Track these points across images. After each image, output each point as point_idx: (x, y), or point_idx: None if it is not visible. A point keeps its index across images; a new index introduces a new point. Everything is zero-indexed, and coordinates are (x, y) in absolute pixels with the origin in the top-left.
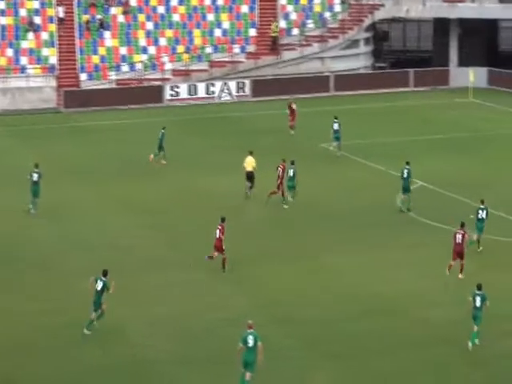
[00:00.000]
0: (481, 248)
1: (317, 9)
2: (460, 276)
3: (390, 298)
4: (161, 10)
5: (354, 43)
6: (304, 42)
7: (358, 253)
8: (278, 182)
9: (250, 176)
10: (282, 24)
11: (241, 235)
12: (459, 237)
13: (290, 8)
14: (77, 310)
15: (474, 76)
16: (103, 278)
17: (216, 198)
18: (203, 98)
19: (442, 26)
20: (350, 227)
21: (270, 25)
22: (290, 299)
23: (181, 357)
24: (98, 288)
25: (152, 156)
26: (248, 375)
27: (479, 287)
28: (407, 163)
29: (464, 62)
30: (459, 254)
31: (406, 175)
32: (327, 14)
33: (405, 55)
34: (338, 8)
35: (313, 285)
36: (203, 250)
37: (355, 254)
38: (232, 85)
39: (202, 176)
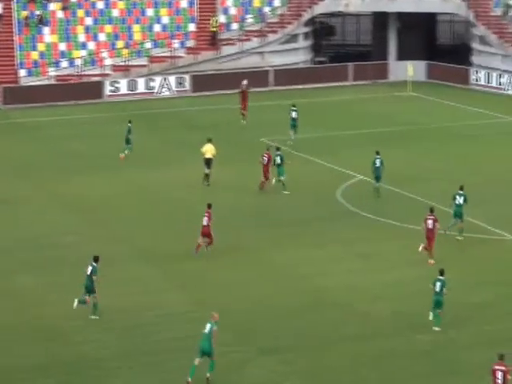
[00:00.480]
0: (462, 238)
1: (256, 4)
2: (431, 262)
3: (334, 292)
4: (100, 5)
5: (294, 38)
6: (243, 37)
7: (302, 247)
8: (265, 170)
9: (208, 162)
10: (222, 19)
11: (183, 229)
12: (430, 222)
13: (229, 3)
14: (18, 309)
15: (412, 70)
16: (94, 263)
17: (161, 192)
18: (143, 93)
19: (380, 20)
20: (292, 222)
21: (209, 20)
22: (231, 293)
23: (121, 353)
24: (88, 272)
25: (126, 152)
26: (197, 360)
27: (441, 272)
28: (377, 153)
29: (403, 56)
30: (430, 238)
31: (378, 164)
32: (266, 9)
33: (344, 49)
34: (277, 3)
35: (255, 278)
36: (150, 245)
37: (299, 247)
38: (172, 80)
39: (145, 171)
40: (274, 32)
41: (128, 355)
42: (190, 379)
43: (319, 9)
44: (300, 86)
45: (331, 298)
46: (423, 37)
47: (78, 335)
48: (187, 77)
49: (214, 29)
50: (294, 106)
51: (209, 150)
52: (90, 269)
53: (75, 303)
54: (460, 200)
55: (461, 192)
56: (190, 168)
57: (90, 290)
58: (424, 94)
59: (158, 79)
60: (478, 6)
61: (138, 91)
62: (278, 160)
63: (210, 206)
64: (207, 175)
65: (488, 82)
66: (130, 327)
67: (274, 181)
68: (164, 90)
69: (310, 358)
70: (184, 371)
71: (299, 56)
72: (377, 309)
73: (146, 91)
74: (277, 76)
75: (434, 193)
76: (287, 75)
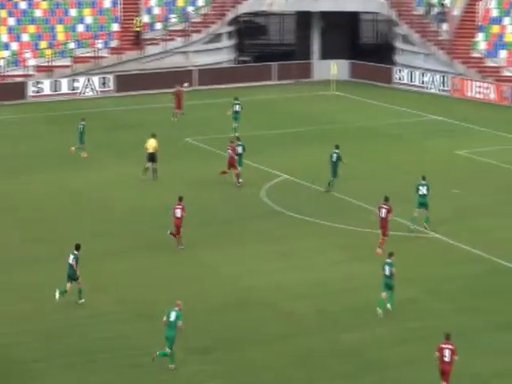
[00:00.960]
0: (428, 228)
1: (180, 3)
2: (379, 251)
3: (259, 291)
4: (23, 5)
5: (217, 37)
6: (167, 37)
7: (227, 246)
8: (230, 162)
9: (152, 157)
10: (146, 19)
11: (104, 229)
12: (383, 211)
13: (152, 3)
14: None
15: (336, 69)
16: (75, 252)
17: (85, 193)
18: (67, 93)
19: (304, 19)
20: (217, 221)
21: (133, 20)
22: (158, 293)
23: (50, 354)
24: (70, 261)
25: (73, 148)
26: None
27: (390, 255)
28: (336, 147)
29: (326, 55)
30: (383, 227)
31: (334, 159)
32: (190, 9)
33: (268, 49)
34: (201, 2)
35: (182, 278)
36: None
37: (224, 247)
38: (95, 80)
39: (68, 172)
40: (198, 32)
41: (56, 356)
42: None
43: (243, 8)
44: (224, 86)
45: (256, 297)
46: (346, 36)
47: (5, 338)
48: (111, 77)
49: (138, 29)
50: (236, 99)
51: (151, 145)
52: (71, 257)
53: (57, 295)
54: (424, 190)
55: (423, 182)
56: (116, 168)
57: (73, 277)
58: (348, 93)
59: (81, 79)
60: (400, 5)
61: (61, 92)
62: (240, 150)
63: (181, 199)
64: (147, 169)
65: (411, 81)
66: (57, 328)
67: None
68: (88, 90)
69: (237, 357)
70: (115, 372)
71: (223, 55)
72: (301, 307)
73: (70, 92)
74: (201, 75)
75: (358, 191)
76: (211, 75)
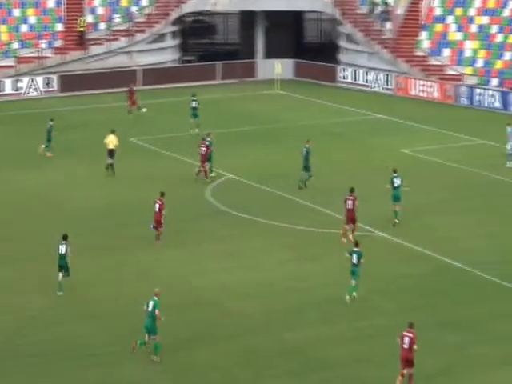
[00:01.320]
0: (397, 221)
1: (123, 3)
2: (350, 237)
3: (205, 291)
4: None
5: (161, 37)
6: (111, 37)
7: (172, 246)
8: (202, 160)
9: (111, 153)
10: (89, 19)
11: (50, 229)
12: (349, 202)
13: (96, 3)
14: None
15: (280, 68)
16: (63, 242)
17: (36, 193)
18: (10, 94)
19: (248, 18)
20: (165, 221)
21: (76, 20)
22: (101, 295)
23: None
24: (63, 251)
25: (42, 147)
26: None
27: (356, 244)
28: (307, 142)
29: (271, 54)
30: (351, 219)
31: (305, 153)
32: (134, 9)
33: (212, 48)
34: (144, 2)
35: (128, 279)
36: (9, 247)
37: (169, 247)
38: (39, 80)
39: (15, 172)
40: (142, 31)
41: None
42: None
43: (187, 8)
44: (168, 86)
45: (202, 297)
46: (291, 35)
47: None
48: (55, 77)
49: (82, 29)
50: (194, 95)
51: (111, 141)
52: (63, 248)
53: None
54: (398, 181)
55: (395, 174)
56: (63, 168)
57: (62, 268)
58: (292, 92)
59: (25, 80)
60: (344, 4)
61: (5, 92)
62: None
63: (162, 195)
64: (111, 165)
65: (355, 80)
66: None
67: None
68: (32, 90)
69: (183, 357)
70: (59, 373)
71: (167, 55)
72: (247, 307)
73: (14, 92)
74: (145, 75)
75: (303, 190)
76: (155, 74)
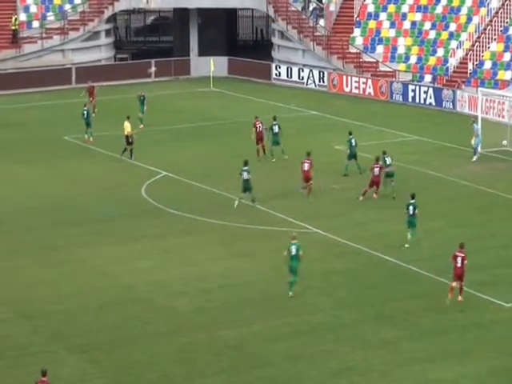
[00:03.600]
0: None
1: (57, 1)
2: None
3: (139, 288)
4: None
5: (95, 35)
6: (44, 35)
7: (107, 244)
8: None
9: (128, 140)
10: (22, 17)
11: None
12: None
13: (29, 1)
14: None
15: (214, 65)
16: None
17: None
18: None
19: (181, 16)
20: (97, 219)
21: (9, 18)
22: (38, 293)
23: None
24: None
25: None
26: (291, 278)
27: (413, 196)
28: (274, 118)
29: (204, 52)
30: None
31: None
32: (67, 7)
33: (146, 46)
34: (78, 0)
35: (61, 277)
36: None
37: (104, 245)
38: None
39: None
40: (76, 29)
41: None
42: None
43: (120, 5)
44: (103, 83)
45: (136, 295)
46: (224, 32)
47: None
48: None
49: (15, 27)
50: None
51: (126, 128)
52: (245, 174)
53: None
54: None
55: (387, 157)
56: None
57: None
58: (226, 90)
59: None
60: (277, 1)
61: None
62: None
63: (309, 154)
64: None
65: (289, 77)
66: None
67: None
68: None
69: (117, 356)
70: (7, 373)
71: (101, 53)
72: (180, 305)
73: None
74: (79, 73)
75: (235, 187)
76: (89, 72)
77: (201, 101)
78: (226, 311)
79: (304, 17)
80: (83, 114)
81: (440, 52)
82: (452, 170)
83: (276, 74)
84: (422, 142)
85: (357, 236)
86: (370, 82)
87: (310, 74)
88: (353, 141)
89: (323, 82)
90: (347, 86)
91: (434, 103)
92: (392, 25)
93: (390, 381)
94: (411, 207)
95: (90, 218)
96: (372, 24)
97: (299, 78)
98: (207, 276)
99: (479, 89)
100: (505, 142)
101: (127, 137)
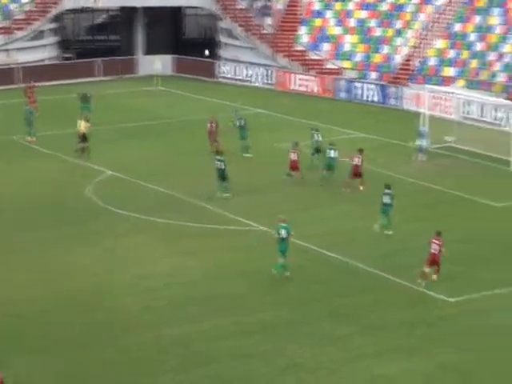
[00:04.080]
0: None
1: (3, 1)
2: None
3: (83, 291)
4: None
5: (41, 34)
6: None
7: (52, 246)
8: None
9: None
10: None
11: None
12: (356, 159)
13: None
14: None
15: (160, 64)
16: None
17: None
18: None
19: (128, 14)
20: (42, 220)
21: None
22: None
23: None
24: None
25: None
26: (281, 260)
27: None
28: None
29: (151, 50)
30: (356, 174)
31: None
32: (13, 6)
33: (95, 45)
34: None
35: (8, 281)
36: None
37: (49, 247)
38: None
39: None
40: (21, 29)
41: None
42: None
43: (67, 4)
44: (48, 83)
45: (83, 296)
46: (170, 31)
47: None
48: None
49: None
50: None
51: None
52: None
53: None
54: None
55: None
56: None
57: None
58: (173, 88)
59: None
60: (224, 0)
61: None
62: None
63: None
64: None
65: (235, 75)
66: None
67: None
68: None
69: (66, 358)
70: None
71: (46, 53)
72: (126, 304)
73: None
74: (24, 73)
75: (181, 185)
76: (34, 72)
77: (147, 99)
78: (172, 309)
79: (250, 15)
80: (26, 114)
81: (385, 49)
82: (398, 167)
83: (222, 72)
84: (367, 139)
85: (302, 233)
86: (315, 79)
87: (256, 72)
88: (316, 135)
89: (269, 80)
90: (293, 83)
91: (379, 100)
92: (338, 22)
93: (337, 378)
94: (387, 197)
95: (33, 219)
96: (318, 22)
97: (245, 76)
98: (153, 275)
99: (425, 85)
100: (449, 138)
101: (83, 135)
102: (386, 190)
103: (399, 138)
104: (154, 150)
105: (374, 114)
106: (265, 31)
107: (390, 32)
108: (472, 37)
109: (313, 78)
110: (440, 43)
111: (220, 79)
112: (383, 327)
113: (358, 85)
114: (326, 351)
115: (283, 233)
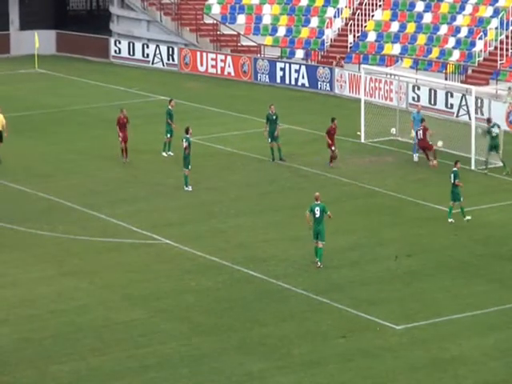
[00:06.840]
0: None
1: None
2: (435, 163)
3: None
4: None
5: None
6: None
7: None
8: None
9: None
10: None
11: None
12: (420, 133)
13: None
14: None
15: (39, 41)
16: None
17: None
18: None
19: None
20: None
21: None
22: None
23: None
24: None
25: None
26: (320, 244)
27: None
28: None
29: (28, 25)
30: (425, 146)
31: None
32: None
33: None
34: None
35: None
36: None
37: None
38: None
39: None
40: None
41: None
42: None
43: None
44: None
45: None
46: (51, 2)
47: None
48: None
49: None
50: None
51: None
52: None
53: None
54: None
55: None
56: None
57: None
58: (55, 71)
59: None
60: None
61: None
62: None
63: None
64: None
65: (131, 54)
66: None
67: None
68: None
69: None
70: None
71: None
72: (1, 335)
73: None
74: None
75: (66, 189)
76: None
77: (23, 85)
78: (58, 342)
79: None
80: None
81: (314, 22)
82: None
83: (115, 51)
84: (293, 132)
85: (215, 247)
86: (229, 59)
87: (157, 51)
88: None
89: (173, 60)
90: (202, 64)
91: (307, 84)
92: None
93: None
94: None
95: None
96: None
97: (144, 55)
98: (34, 300)
99: (362, 66)
100: (393, 130)
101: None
102: (454, 169)
103: None
104: (33, 147)
105: (302, 101)
106: (166, 0)
107: (319, 1)
108: (419, 6)
109: (226, 57)
110: (380, 14)
111: (113, 59)
112: (310, 361)
113: (281, 65)
114: None
115: (318, 213)
